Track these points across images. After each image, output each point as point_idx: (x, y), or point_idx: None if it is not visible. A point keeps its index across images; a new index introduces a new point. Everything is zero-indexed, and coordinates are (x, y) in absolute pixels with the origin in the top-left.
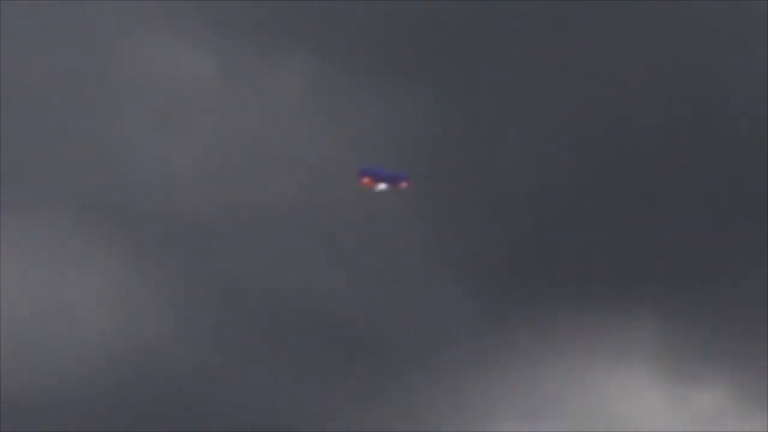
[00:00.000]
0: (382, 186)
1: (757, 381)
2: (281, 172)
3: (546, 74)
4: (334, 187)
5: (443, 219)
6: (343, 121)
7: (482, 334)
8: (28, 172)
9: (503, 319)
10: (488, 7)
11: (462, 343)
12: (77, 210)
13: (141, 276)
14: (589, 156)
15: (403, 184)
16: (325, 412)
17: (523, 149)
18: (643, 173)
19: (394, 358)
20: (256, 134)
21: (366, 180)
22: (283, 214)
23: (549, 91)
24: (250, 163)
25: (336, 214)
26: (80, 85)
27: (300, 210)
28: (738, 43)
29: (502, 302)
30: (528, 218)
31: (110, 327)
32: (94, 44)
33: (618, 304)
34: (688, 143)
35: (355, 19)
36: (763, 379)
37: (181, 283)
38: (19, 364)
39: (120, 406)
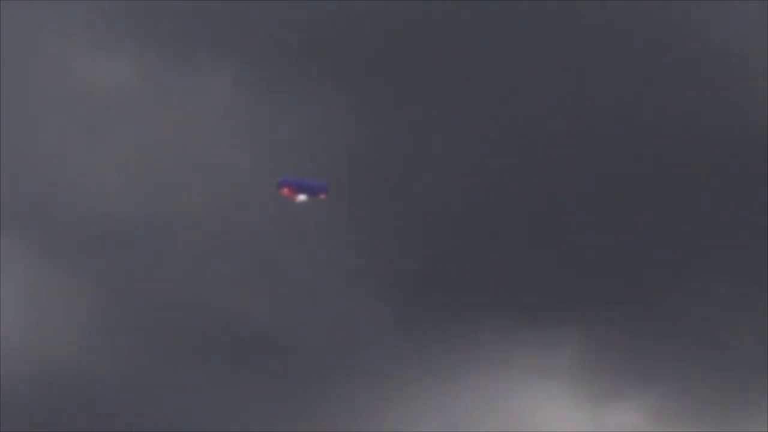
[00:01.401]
0: (302, 197)
1: (676, 398)
2: (201, 181)
3: (470, 87)
4: (255, 197)
5: (363, 231)
6: (265, 131)
7: (400, 347)
8: None
9: (422, 333)
10: (411, 17)
11: (379, 356)
12: None
13: (56, 284)
14: (511, 171)
15: (322, 196)
16: (241, 422)
17: (444, 162)
18: (566, 189)
19: (311, 369)
20: (177, 143)
21: (286, 190)
22: (203, 224)
23: (472, 105)
24: (170, 172)
25: (255, 224)
26: (1, 91)
27: (219, 219)
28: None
29: (421, 315)
30: (448, 231)
31: (23, 335)
32: (13, 50)
33: (538, 319)
34: (612, 161)
35: (276, 28)
36: (681, 396)
37: (97, 292)
38: None
39: (31, 414)
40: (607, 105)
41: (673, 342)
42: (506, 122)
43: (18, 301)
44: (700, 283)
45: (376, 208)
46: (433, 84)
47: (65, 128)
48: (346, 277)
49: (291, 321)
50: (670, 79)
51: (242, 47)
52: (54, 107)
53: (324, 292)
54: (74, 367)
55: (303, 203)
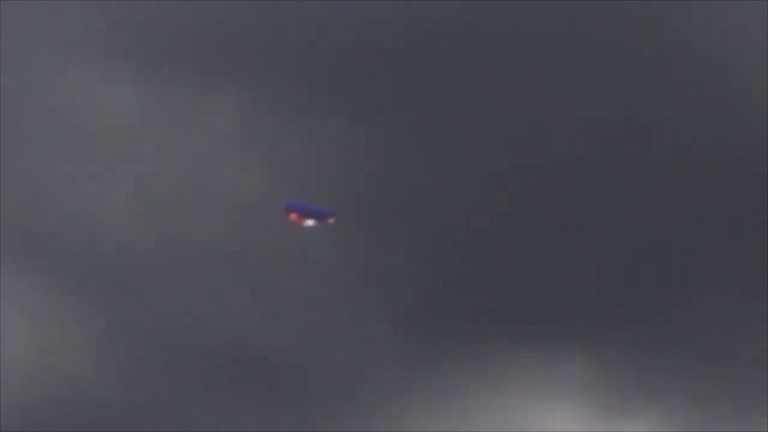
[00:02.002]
0: (309, 222)
1: (684, 416)
2: (207, 208)
3: (480, 109)
4: (262, 224)
5: (371, 254)
6: (271, 157)
7: (409, 370)
8: None
9: (430, 355)
10: (416, 37)
11: (389, 379)
12: (1, 243)
13: (65, 311)
14: (520, 190)
15: (330, 220)
16: None
17: (452, 184)
18: (574, 209)
19: (321, 394)
20: (181, 170)
21: (293, 215)
22: (209, 250)
23: (481, 128)
24: (176, 199)
25: (263, 250)
26: (4, 118)
27: (226, 246)
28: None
29: (429, 338)
30: (455, 253)
31: (33, 363)
32: (15, 80)
33: (545, 338)
34: (621, 178)
35: (281, 53)
36: (690, 413)
37: (105, 320)
38: None
39: None
40: (615, 124)
41: (679, 359)
42: (516, 145)
43: (25, 330)
44: (707, 301)
45: (382, 231)
46: (442, 107)
47: (69, 158)
48: (353, 299)
49: (302, 347)
50: (684, 95)
51: (246, 73)
52: (57, 137)
53: (331, 315)
54: (83, 395)
55: (310, 228)
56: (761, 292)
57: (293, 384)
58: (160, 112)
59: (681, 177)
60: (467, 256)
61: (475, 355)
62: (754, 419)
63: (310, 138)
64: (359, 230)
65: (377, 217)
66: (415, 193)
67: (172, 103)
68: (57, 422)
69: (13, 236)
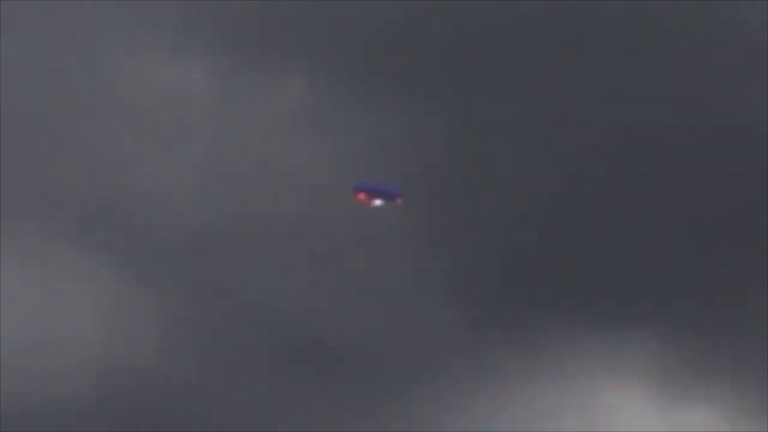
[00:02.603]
0: (377, 202)
1: (751, 399)
2: (276, 187)
3: (543, 90)
4: (330, 205)
5: (436, 237)
6: (339, 138)
7: (473, 352)
8: (20, 184)
9: (495, 337)
10: (483, 22)
11: (453, 362)
12: (70, 223)
13: (134, 291)
14: (584, 172)
15: (398, 201)
16: (314, 426)
17: (518, 167)
18: (640, 189)
19: (384, 376)
20: (251, 150)
21: (361, 195)
22: (277, 229)
23: (546, 107)
24: (245, 179)
25: (331, 231)
26: (76, 97)
27: (294, 227)
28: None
29: (495, 320)
30: (522, 235)
31: (103, 341)
32: (90, 57)
33: (612, 321)
34: (685, 158)
35: (350, 35)
36: (757, 397)
37: (174, 299)
38: (5, 378)
39: (111, 420)
40: (681, 95)
41: (751, 342)
42: (581, 125)
43: (96, 308)
44: None
45: (448, 213)
46: (508, 86)
47: (140, 134)
48: (420, 281)
49: (366, 328)
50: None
51: (317, 52)
52: (128, 114)
53: (399, 299)
54: (149, 374)
55: (378, 208)
56: None
57: (357, 365)
58: (230, 92)
59: (749, 161)
60: (534, 239)
61: (543, 338)
62: None
63: (380, 119)
64: (425, 212)
65: (443, 198)
66: (481, 178)
67: (242, 83)
68: (124, 400)
69: (82, 215)
